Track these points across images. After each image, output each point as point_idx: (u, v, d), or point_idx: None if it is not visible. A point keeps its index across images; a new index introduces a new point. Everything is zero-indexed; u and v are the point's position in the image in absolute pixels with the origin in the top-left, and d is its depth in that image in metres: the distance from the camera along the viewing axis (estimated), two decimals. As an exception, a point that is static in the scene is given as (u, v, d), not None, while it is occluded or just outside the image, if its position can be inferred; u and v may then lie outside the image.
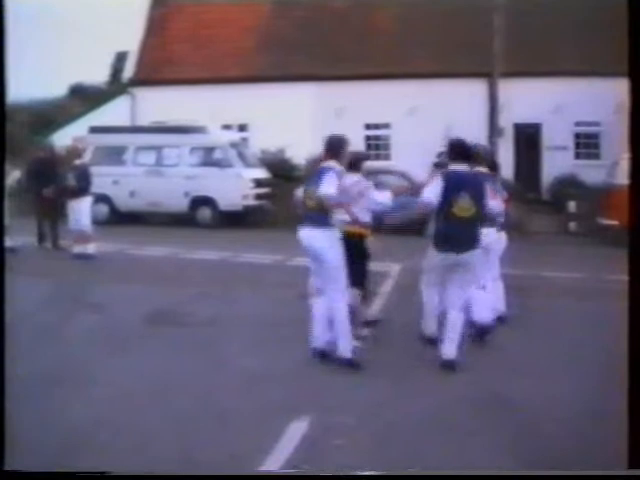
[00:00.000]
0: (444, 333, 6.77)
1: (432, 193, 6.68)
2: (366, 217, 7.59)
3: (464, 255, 6.68)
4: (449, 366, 6.63)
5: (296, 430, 5.26)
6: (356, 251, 7.09)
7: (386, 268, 12.58)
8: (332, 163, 6.64)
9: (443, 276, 6.91)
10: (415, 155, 21.43)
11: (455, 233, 6.65)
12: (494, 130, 21.72)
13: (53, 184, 13.78)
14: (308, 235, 6.61)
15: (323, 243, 6.53)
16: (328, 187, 6.40)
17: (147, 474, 4.42)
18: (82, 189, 13.40)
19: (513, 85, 21.33)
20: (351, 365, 6.60)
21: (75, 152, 14.08)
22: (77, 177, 13.38)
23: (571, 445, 5.02)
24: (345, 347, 6.64)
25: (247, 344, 7.20)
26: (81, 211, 13.36)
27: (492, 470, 4.52)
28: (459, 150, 6.79)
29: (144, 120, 22.78)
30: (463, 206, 6.62)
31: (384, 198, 7.64)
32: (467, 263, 6.76)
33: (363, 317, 7.66)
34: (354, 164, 7.33)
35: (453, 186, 6.62)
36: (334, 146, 6.76)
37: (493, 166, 7.97)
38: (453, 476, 4.41)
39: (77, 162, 13.72)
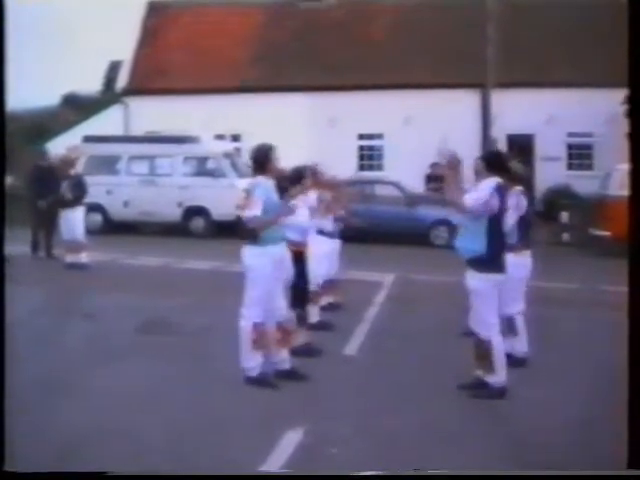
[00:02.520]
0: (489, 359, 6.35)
1: (482, 202, 6.14)
2: (297, 235, 7.41)
3: (504, 276, 6.32)
4: (501, 395, 6.33)
5: (291, 439, 5.27)
6: (295, 270, 7.02)
7: (380, 278, 12.61)
8: (260, 179, 6.52)
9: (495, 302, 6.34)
10: (409, 166, 21.56)
11: (503, 251, 6.31)
12: (487, 141, 21.82)
13: (53, 193, 13.73)
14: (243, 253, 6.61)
15: (247, 260, 6.51)
16: (250, 209, 6.33)
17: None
18: (77, 199, 13.42)
19: (506, 96, 21.44)
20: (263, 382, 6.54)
21: (69, 161, 14.08)
22: (72, 187, 13.39)
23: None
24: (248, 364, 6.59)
25: (237, 354, 7.19)
26: (75, 220, 13.37)
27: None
28: (496, 162, 6.46)
29: (137, 130, 22.83)
30: (509, 225, 6.42)
31: (299, 221, 7.28)
32: (514, 283, 6.73)
33: (295, 342, 7.46)
34: (295, 180, 7.23)
35: (505, 202, 6.31)
36: (258, 158, 6.57)
37: (525, 182, 7.61)
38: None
39: (72, 172, 13.72)
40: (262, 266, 6.43)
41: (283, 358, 6.73)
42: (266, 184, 6.53)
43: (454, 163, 6.23)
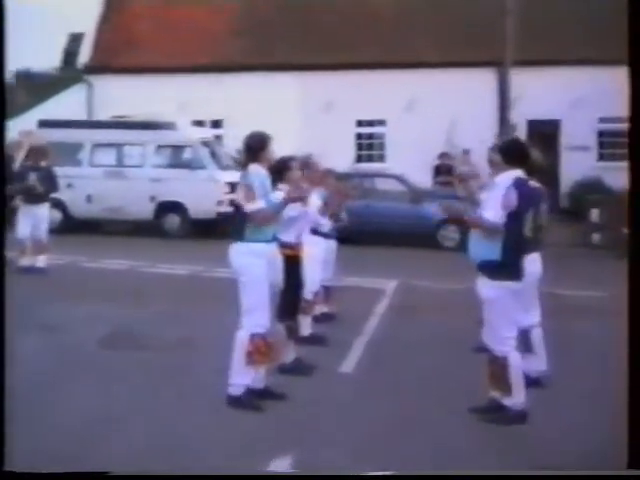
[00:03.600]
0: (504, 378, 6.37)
1: (497, 210, 6.11)
2: (291, 236, 7.39)
3: (521, 283, 6.35)
4: (521, 419, 6.34)
5: (276, 469, 5.28)
6: (286, 276, 7.01)
7: (380, 285, 12.67)
8: (254, 167, 6.66)
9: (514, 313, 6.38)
10: (414, 156, 21.60)
11: (522, 258, 6.30)
12: (505, 127, 21.82)
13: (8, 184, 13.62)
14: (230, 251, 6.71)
15: (237, 259, 6.58)
16: (254, 202, 6.47)
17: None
18: (47, 193, 13.42)
19: (527, 76, 21.42)
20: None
21: (40, 150, 13.92)
22: (41, 179, 13.32)
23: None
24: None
25: (219, 371, 7.20)
26: (39, 218, 13.30)
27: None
28: (518, 153, 6.41)
29: (103, 113, 22.78)
30: (529, 224, 6.37)
31: (294, 209, 7.25)
32: (527, 292, 6.73)
33: (284, 357, 7.53)
34: (278, 172, 7.23)
35: (527, 198, 6.26)
36: (253, 145, 6.73)
37: (545, 174, 7.53)
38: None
39: (43, 163, 13.60)
40: (256, 266, 6.49)
41: (257, 376, 6.75)
42: (261, 174, 6.66)
43: (469, 170, 6.22)
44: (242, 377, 6.59)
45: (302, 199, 7.08)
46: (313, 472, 5.23)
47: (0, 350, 4.62)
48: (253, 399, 6.59)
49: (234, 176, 19.32)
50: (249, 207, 6.49)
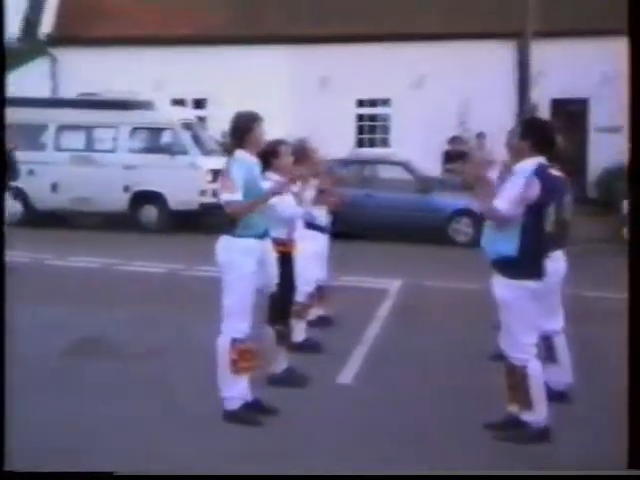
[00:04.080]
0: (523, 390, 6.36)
1: (512, 200, 6.09)
2: (283, 230, 7.42)
3: (541, 283, 6.32)
4: (543, 437, 6.34)
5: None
6: (279, 274, 6.99)
7: (383, 285, 12.70)
8: (239, 154, 6.67)
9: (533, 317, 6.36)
10: (421, 140, 21.58)
11: (543, 256, 6.30)
12: (525, 107, 21.77)
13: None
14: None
15: (223, 255, 6.61)
16: (228, 191, 6.54)
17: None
18: (10, 179, 13.41)
19: (550, 49, 21.33)
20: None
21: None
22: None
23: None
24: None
25: (200, 382, 7.19)
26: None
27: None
28: (543, 136, 6.32)
29: (69, 91, 22.66)
30: (551, 218, 6.34)
31: (289, 207, 7.34)
32: (549, 293, 6.70)
33: (273, 368, 7.56)
34: (266, 158, 7.22)
35: (550, 188, 6.22)
36: (238, 128, 6.73)
37: (571, 162, 7.46)
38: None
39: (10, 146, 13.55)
40: (243, 264, 6.50)
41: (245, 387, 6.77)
42: (248, 161, 6.65)
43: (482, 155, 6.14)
44: (232, 388, 6.60)
45: (289, 190, 7.08)
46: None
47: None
48: (252, 412, 6.62)
49: (219, 162, 19.31)
50: (223, 197, 6.58)
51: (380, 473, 5.48)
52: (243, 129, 6.69)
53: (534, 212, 6.11)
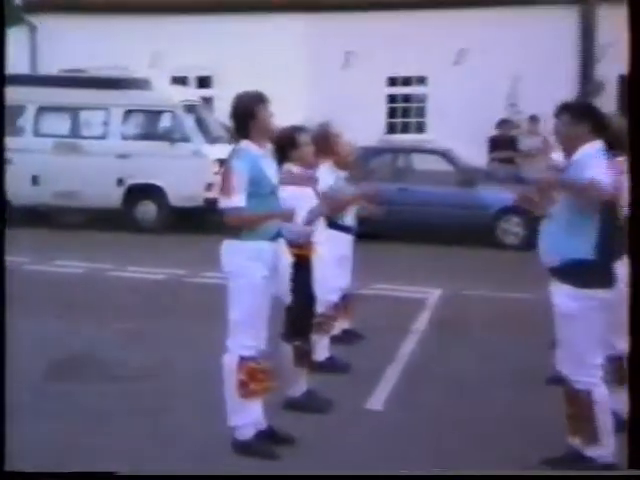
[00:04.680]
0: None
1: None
2: (300, 232, 7.30)
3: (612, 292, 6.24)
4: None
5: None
6: (294, 283, 7.03)
7: (420, 294, 12.72)
8: (244, 145, 6.57)
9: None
10: (464, 125, 21.50)
11: (615, 255, 6.22)
12: (589, 84, 21.67)
13: None
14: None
15: (230, 260, 6.58)
16: (229, 196, 6.41)
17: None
18: None
19: (620, 14, 21.14)
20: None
21: None
22: None
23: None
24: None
25: (205, 408, 7.19)
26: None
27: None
28: (601, 118, 6.35)
29: (51, 66, 22.69)
30: (624, 213, 6.14)
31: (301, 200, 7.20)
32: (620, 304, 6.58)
33: (291, 390, 7.56)
34: (282, 148, 7.24)
35: (617, 175, 6.18)
36: (241, 113, 6.61)
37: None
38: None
39: None
40: (252, 270, 6.45)
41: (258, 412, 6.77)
42: (253, 153, 6.54)
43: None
44: (243, 415, 6.60)
45: (310, 184, 7.04)
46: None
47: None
48: (266, 442, 6.62)
49: (227, 151, 19.42)
50: (223, 202, 6.46)
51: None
52: (245, 114, 6.56)
53: (610, 205, 6.04)
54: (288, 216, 6.68)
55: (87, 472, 5.30)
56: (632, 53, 5.38)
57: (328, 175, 8.49)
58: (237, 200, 6.38)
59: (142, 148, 18.90)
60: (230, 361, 6.54)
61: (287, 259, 6.86)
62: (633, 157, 5.36)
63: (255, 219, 6.47)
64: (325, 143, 8.37)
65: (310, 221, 7.15)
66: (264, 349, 6.63)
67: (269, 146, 6.95)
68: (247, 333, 6.50)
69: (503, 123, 21.20)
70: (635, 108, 5.21)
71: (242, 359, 6.50)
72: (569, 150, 6.32)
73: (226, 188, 6.43)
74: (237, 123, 6.62)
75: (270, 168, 6.67)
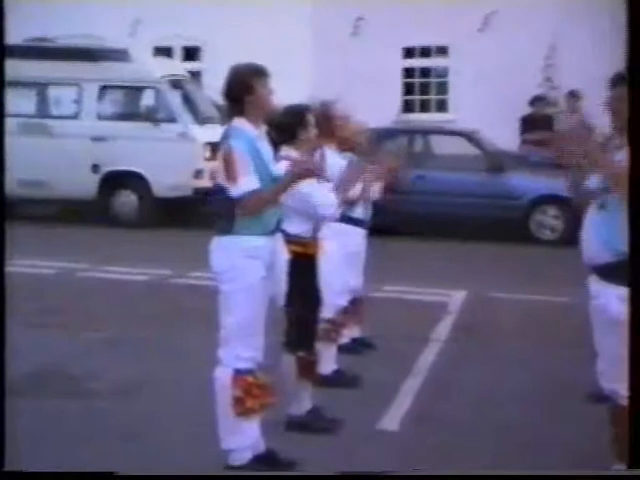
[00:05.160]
0: None
1: None
2: (303, 224, 7.40)
3: None
4: None
5: None
6: (296, 285, 6.99)
7: (441, 297, 12.78)
8: (239, 124, 6.55)
9: None
10: (491, 102, 21.48)
11: None
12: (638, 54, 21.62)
13: None
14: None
15: (220, 260, 6.57)
16: (240, 179, 6.35)
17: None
18: None
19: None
20: None
21: None
22: None
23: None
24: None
25: (193, 428, 7.22)
26: None
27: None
28: None
29: (15, 34, 22.67)
30: None
31: (325, 197, 7.23)
32: None
33: (293, 408, 7.56)
34: (284, 130, 7.25)
35: None
36: (236, 88, 6.59)
37: None
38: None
39: None
40: (247, 270, 6.43)
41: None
42: (249, 133, 6.52)
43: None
44: (238, 437, 6.58)
45: (318, 172, 7.00)
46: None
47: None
48: (264, 468, 6.61)
49: (219, 133, 19.38)
50: (236, 189, 6.38)
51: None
52: (241, 88, 6.53)
53: None
54: (299, 175, 6.58)
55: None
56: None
57: (335, 160, 8.44)
58: (249, 183, 6.35)
59: (120, 130, 18.96)
60: (223, 375, 6.52)
61: (283, 256, 6.84)
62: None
63: (270, 197, 6.46)
64: (328, 124, 8.35)
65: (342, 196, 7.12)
66: (262, 361, 6.62)
67: (264, 128, 6.91)
68: (242, 342, 6.47)
69: (537, 100, 21.18)
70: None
71: (237, 372, 6.48)
72: (623, 130, 6.28)
73: (232, 173, 6.38)
74: (231, 99, 6.60)
75: (267, 153, 6.65)
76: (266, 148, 6.66)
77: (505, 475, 5.80)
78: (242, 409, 6.51)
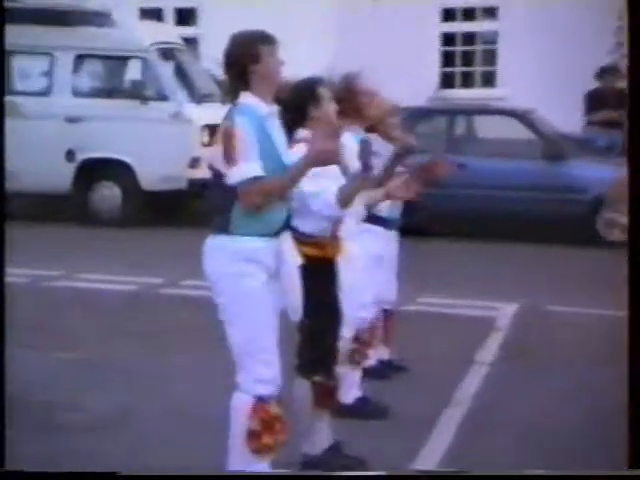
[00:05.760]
0: None
1: None
2: (317, 224, 7.36)
3: None
4: None
5: None
6: (311, 296, 6.94)
7: (487, 311, 12.85)
8: (244, 99, 6.54)
9: None
10: (549, 74, 21.50)
11: None
12: None
13: None
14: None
15: (215, 265, 6.60)
16: (241, 163, 6.31)
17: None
18: None
19: None
20: None
21: None
22: None
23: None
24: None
25: (185, 467, 7.20)
26: None
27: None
28: None
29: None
30: None
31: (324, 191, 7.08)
32: None
33: (309, 444, 7.56)
34: (297, 107, 7.30)
35: None
36: (233, 60, 6.62)
37: None
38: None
39: None
40: (249, 278, 6.46)
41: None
42: (258, 110, 6.53)
43: None
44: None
45: (338, 157, 7.01)
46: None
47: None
48: None
49: (220, 114, 19.33)
50: (234, 175, 6.36)
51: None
52: (245, 57, 6.53)
53: None
54: (314, 161, 6.53)
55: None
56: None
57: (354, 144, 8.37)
58: (250, 168, 6.32)
59: (100, 109, 19.01)
60: (241, 403, 6.53)
61: (294, 260, 6.75)
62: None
63: (279, 187, 6.46)
64: (352, 101, 8.38)
65: (343, 203, 7.09)
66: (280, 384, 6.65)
67: (275, 106, 6.93)
68: (258, 361, 6.48)
69: (606, 72, 21.10)
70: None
71: (259, 400, 6.50)
72: None
73: (232, 155, 6.34)
74: (233, 70, 6.59)
75: (279, 136, 6.65)
76: (278, 130, 6.67)
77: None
78: (258, 445, 6.53)
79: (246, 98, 6.54)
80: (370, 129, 8.98)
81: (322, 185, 6.99)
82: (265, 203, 6.38)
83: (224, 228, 6.48)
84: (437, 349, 10.71)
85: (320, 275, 7.21)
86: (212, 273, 6.56)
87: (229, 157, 6.37)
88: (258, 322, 6.49)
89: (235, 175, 6.33)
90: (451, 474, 6.79)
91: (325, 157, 6.48)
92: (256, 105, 6.52)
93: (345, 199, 7.05)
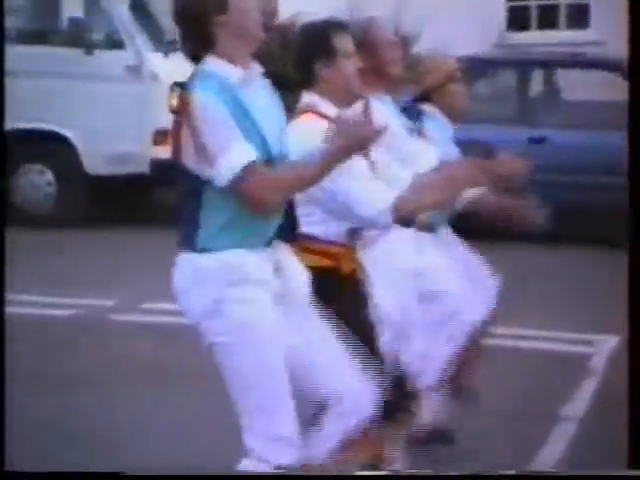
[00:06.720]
0: None
1: None
2: (332, 226, 7.43)
3: None
4: None
5: None
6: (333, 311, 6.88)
7: (579, 346, 12.94)
8: (211, 61, 6.31)
9: None
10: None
11: None
12: None
13: None
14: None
15: (189, 299, 6.58)
16: (226, 147, 6.10)
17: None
18: None
19: None
20: None
21: None
22: None
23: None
24: None
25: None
26: None
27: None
28: None
29: None
30: None
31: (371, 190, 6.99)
32: None
33: None
34: (297, 65, 7.27)
35: None
36: (192, 3, 6.39)
37: None
38: (453, 476, 7.94)
39: None
40: (247, 307, 6.36)
41: None
42: (227, 79, 6.31)
43: None
44: None
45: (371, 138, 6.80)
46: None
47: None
48: None
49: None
50: (219, 170, 6.15)
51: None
52: (206, 6, 6.28)
53: None
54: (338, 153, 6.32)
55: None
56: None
57: (391, 118, 8.30)
58: (242, 151, 6.14)
59: (26, 60, 18.83)
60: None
61: (300, 275, 6.74)
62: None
63: (296, 176, 6.34)
64: (374, 56, 8.21)
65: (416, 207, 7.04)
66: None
67: (257, 67, 6.63)
68: (272, 417, 6.51)
69: None
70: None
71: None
72: None
73: (204, 144, 6.15)
74: (190, 25, 6.38)
75: (265, 108, 6.47)
76: (264, 100, 6.50)
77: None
78: None
79: (212, 62, 6.33)
80: (423, 97, 8.91)
81: (369, 181, 7.01)
82: (281, 202, 6.34)
83: (193, 240, 6.39)
84: (510, 394, 10.84)
85: (336, 294, 7.14)
86: (190, 309, 6.49)
87: (200, 148, 6.18)
88: (267, 360, 6.45)
89: (217, 167, 6.15)
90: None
91: (362, 141, 6.31)
92: (224, 70, 6.32)
93: (424, 201, 7.12)
